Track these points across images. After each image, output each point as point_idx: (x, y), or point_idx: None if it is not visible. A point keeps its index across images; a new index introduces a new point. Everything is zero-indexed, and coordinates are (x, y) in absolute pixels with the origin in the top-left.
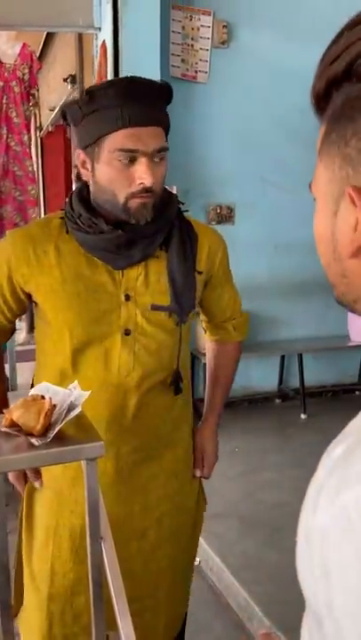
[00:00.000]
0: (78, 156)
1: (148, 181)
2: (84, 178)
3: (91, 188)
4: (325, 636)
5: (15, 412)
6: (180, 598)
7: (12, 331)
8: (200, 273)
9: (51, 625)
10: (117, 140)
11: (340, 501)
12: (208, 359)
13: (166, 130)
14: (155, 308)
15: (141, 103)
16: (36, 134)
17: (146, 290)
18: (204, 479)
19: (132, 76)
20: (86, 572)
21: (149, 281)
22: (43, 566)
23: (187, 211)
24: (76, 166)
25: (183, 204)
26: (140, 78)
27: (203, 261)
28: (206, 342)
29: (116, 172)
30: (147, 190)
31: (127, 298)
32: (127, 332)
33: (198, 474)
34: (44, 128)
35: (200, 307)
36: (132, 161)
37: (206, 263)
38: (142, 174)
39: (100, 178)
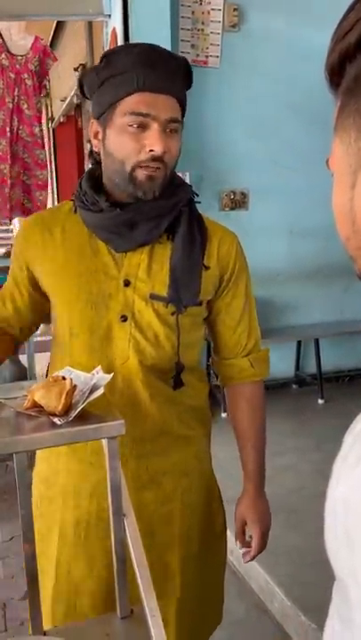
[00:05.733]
0: (92, 127)
1: (158, 148)
2: (95, 149)
3: (102, 161)
4: (352, 605)
5: (37, 393)
6: (198, 614)
7: (32, 329)
8: (207, 268)
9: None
10: (131, 103)
11: (359, 471)
12: (229, 412)
13: (182, 106)
14: (153, 297)
15: (158, 70)
16: (47, 125)
17: (147, 277)
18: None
19: (149, 43)
20: (90, 571)
21: (152, 269)
22: (49, 562)
23: (198, 202)
24: (89, 141)
25: (198, 195)
26: (160, 47)
27: (212, 258)
28: (225, 392)
29: (126, 137)
30: (155, 160)
31: (126, 283)
32: (124, 319)
33: (239, 546)
34: (56, 119)
35: (209, 331)
36: (144, 128)
37: (217, 263)
38: (153, 141)
39: (109, 146)
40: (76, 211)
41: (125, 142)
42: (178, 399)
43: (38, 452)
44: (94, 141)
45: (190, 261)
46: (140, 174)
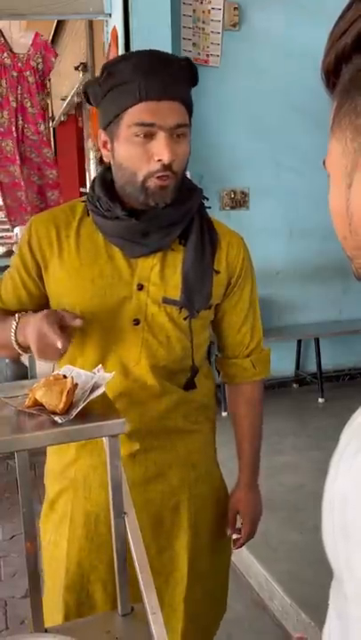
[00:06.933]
0: (100, 136)
1: (166, 157)
2: (106, 159)
3: (112, 170)
4: (347, 599)
5: (38, 391)
6: (204, 604)
7: None
8: (218, 272)
9: (67, 617)
10: (135, 114)
11: (357, 464)
12: (229, 408)
13: (188, 109)
14: (166, 301)
15: (159, 76)
16: (48, 124)
17: (160, 281)
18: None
19: (150, 50)
20: (101, 560)
21: (165, 273)
22: (59, 553)
23: (209, 207)
24: (98, 149)
25: (207, 199)
26: (160, 52)
27: (222, 262)
28: (226, 389)
29: (134, 148)
30: (166, 169)
31: (140, 287)
32: (136, 322)
33: (229, 533)
34: (57, 118)
35: (213, 330)
36: (151, 137)
37: (226, 267)
38: (160, 150)
39: (119, 157)
40: (88, 214)
41: (134, 153)
42: (187, 398)
43: (48, 449)
44: (104, 151)
45: (202, 267)
46: (152, 184)
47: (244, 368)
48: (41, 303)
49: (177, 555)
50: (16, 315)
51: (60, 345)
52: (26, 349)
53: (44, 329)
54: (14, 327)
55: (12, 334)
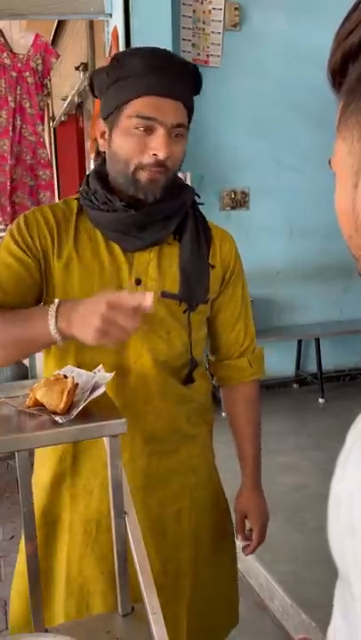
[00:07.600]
0: (99, 127)
1: (162, 153)
2: (101, 148)
3: (107, 160)
4: (355, 599)
5: (39, 391)
6: (210, 615)
7: None
8: (213, 266)
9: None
10: (137, 106)
11: None
12: (226, 410)
13: (189, 112)
14: (164, 295)
15: (166, 74)
16: (49, 124)
17: (158, 276)
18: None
19: (161, 48)
20: (101, 570)
21: (162, 267)
22: (59, 563)
23: (202, 204)
24: (95, 140)
25: (200, 196)
26: (169, 52)
27: (216, 257)
28: (221, 391)
29: (131, 139)
30: (159, 165)
31: (138, 282)
32: None
33: (240, 540)
34: (57, 118)
35: (207, 330)
36: (150, 131)
37: (220, 262)
38: (158, 145)
39: (115, 146)
40: (82, 210)
41: (130, 143)
42: (188, 397)
43: (36, 460)
44: (100, 141)
45: (199, 260)
46: (142, 176)
47: (240, 368)
48: (37, 297)
49: (180, 566)
50: (55, 300)
51: (133, 325)
52: (66, 337)
53: (107, 311)
54: (54, 312)
55: (52, 320)
